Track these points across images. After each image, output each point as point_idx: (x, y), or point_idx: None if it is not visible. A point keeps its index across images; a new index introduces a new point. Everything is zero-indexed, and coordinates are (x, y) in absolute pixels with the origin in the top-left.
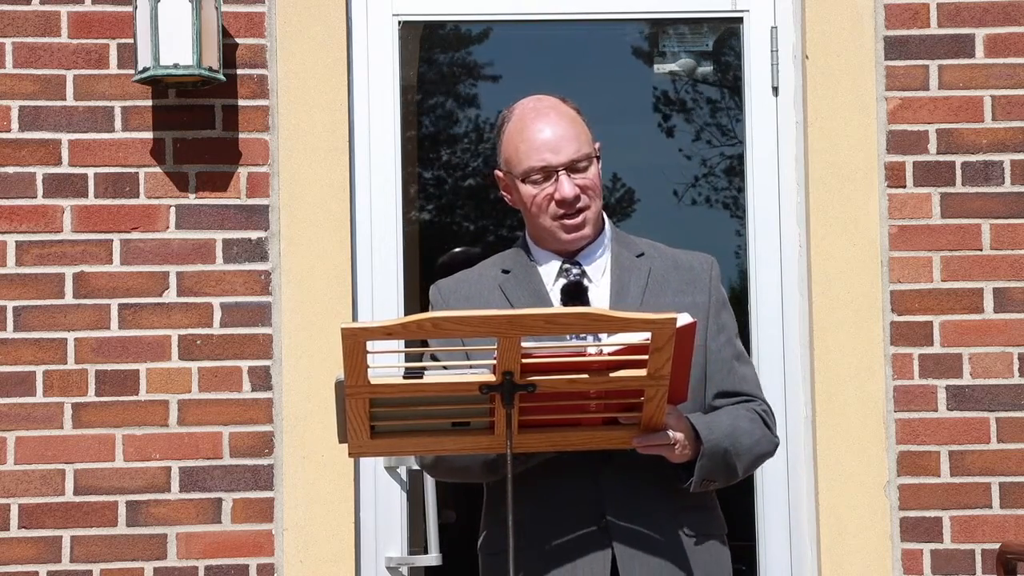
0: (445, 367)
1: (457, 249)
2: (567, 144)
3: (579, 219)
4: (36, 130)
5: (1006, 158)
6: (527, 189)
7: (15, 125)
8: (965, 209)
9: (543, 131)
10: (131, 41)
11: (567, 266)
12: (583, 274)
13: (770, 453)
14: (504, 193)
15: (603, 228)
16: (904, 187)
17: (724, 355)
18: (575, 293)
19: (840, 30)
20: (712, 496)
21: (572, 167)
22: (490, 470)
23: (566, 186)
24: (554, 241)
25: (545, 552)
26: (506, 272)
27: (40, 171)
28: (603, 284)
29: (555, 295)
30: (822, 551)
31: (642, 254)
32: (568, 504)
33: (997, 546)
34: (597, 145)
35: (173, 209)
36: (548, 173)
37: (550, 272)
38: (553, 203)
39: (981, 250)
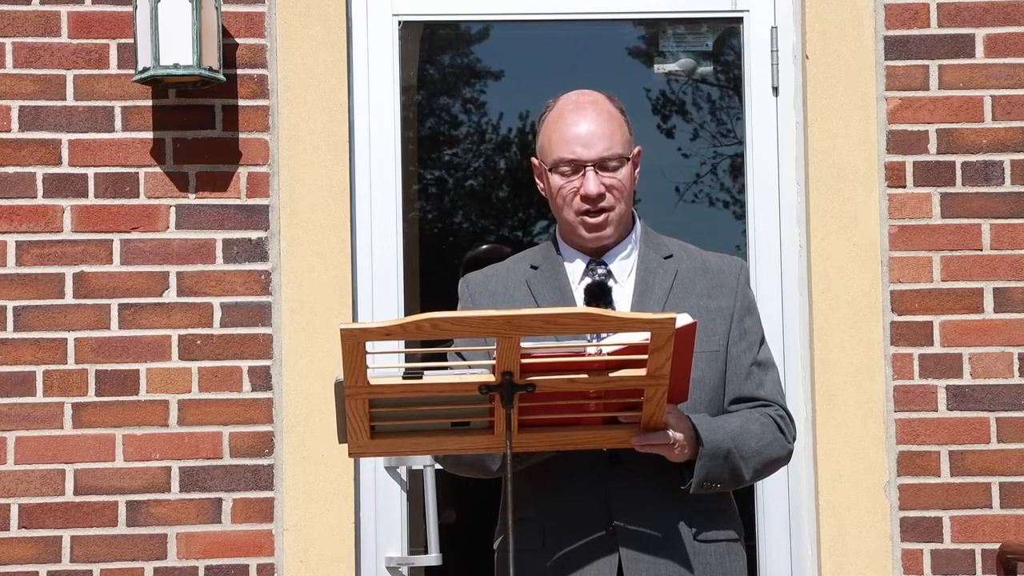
0: (445, 367)
1: (485, 246)
2: (599, 141)
3: (601, 219)
4: (36, 130)
5: (1006, 158)
6: (555, 180)
7: (15, 125)
8: (965, 209)
9: (578, 124)
10: (131, 41)
11: (593, 266)
12: (609, 274)
13: (783, 459)
14: (537, 180)
15: (632, 228)
16: (904, 187)
17: (743, 361)
18: (598, 293)
19: (840, 30)
20: (727, 498)
21: (601, 165)
22: (497, 464)
23: (591, 183)
24: (577, 237)
25: (554, 555)
26: (534, 268)
27: (40, 171)
28: (628, 285)
29: (579, 294)
30: (822, 551)
31: (670, 256)
32: (577, 507)
33: (997, 546)
34: (637, 149)
35: (173, 209)
36: (576, 167)
37: (576, 270)
38: (578, 198)
39: (981, 250)
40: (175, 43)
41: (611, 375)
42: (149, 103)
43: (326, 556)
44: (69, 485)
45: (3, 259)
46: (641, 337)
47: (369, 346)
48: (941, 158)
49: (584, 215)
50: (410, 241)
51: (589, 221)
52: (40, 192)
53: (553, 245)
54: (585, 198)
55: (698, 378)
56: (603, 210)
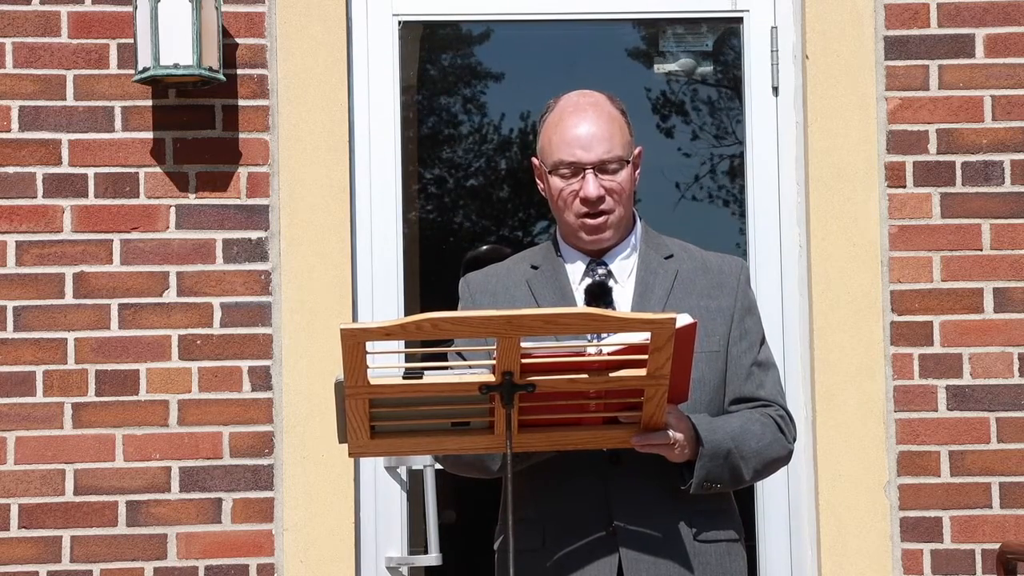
0: (445, 367)
1: (485, 246)
2: (599, 143)
3: (600, 220)
4: (36, 130)
5: (1006, 158)
6: (555, 182)
7: (15, 125)
8: (965, 209)
9: (578, 127)
10: (131, 41)
11: (593, 266)
12: (609, 274)
13: (784, 459)
14: (538, 181)
15: (632, 229)
16: (904, 187)
17: (744, 361)
18: (599, 293)
19: (840, 30)
20: (727, 498)
21: (601, 167)
22: (497, 464)
23: (591, 185)
24: (577, 239)
25: (554, 555)
26: (535, 268)
27: (40, 171)
28: (628, 285)
29: (580, 294)
30: (822, 551)
31: (671, 256)
32: (577, 507)
33: (997, 546)
34: (637, 150)
35: (173, 209)
36: (576, 169)
37: (577, 271)
38: (577, 200)
39: (981, 250)
40: (175, 43)
41: (611, 375)
42: (149, 103)
43: (326, 556)
44: (69, 485)
45: (3, 259)
46: (641, 337)
47: (369, 346)
48: (941, 158)
49: (584, 217)
50: (410, 241)
51: (588, 223)
52: (40, 192)
53: (553, 245)
54: (584, 201)
55: (698, 378)
56: (602, 212)
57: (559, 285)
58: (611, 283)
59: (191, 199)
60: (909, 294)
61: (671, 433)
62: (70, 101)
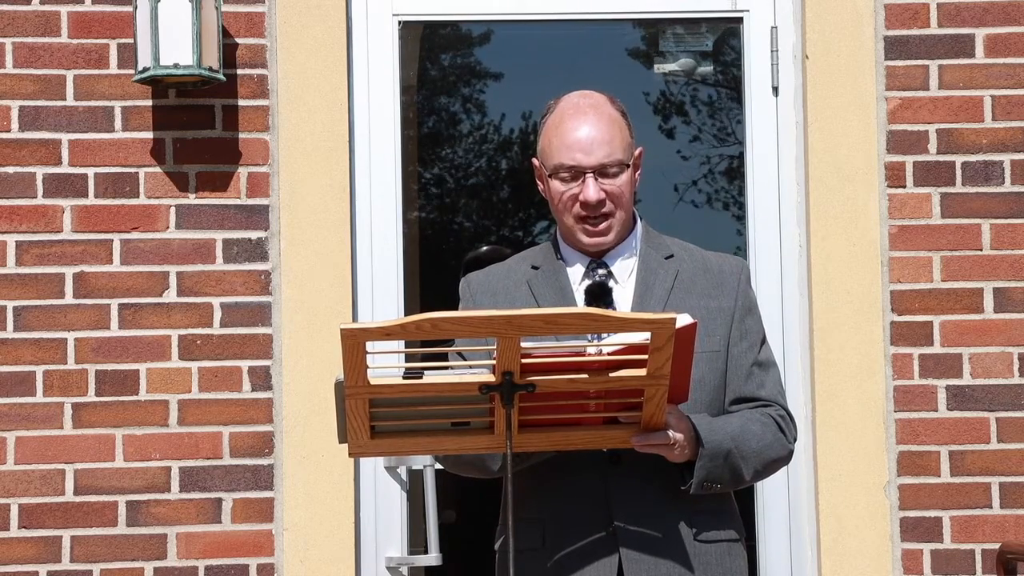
0: (445, 367)
1: (485, 247)
2: (599, 147)
3: (602, 226)
4: (36, 130)
5: (1006, 158)
6: (555, 185)
7: (15, 125)
8: (965, 209)
9: (578, 130)
10: (131, 41)
11: (593, 267)
12: (609, 275)
13: (784, 459)
14: (538, 181)
15: (633, 229)
16: (904, 187)
17: (744, 361)
18: (599, 294)
19: (840, 30)
20: (728, 498)
21: (601, 171)
22: (497, 464)
23: (591, 189)
24: (577, 240)
25: (555, 555)
26: (535, 268)
27: (40, 171)
28: (628, 285)
29: (580, 295)
30: (822, 551)
31: (671, 256)
32: (577, 507)
33: (997, 546)
34: (638, 151)
35: (173, 209)
36: (576, 173)
37: (577, 271)
38: (577, 204)
39: (981, 250)
40: (175, 43)
41: (611, 375)
42: (149, 103)
43: (326, 556)
44: (69, 485)
45: (3, 259)
46: (641, 337)
47: (369, 346)
48: (941, 158)
49: (584, 222)
50: (410, 241)
51: (589, 228)
52: (40, 192)
53: (554, 246)
54: (585, 205)
55: (698, 378)
56: (603, 216)
57: (559, 285)
58: (611, 283)
59: (191, 199)
60: (909, 294)
61: (671, 433)
62: (70, 101)
